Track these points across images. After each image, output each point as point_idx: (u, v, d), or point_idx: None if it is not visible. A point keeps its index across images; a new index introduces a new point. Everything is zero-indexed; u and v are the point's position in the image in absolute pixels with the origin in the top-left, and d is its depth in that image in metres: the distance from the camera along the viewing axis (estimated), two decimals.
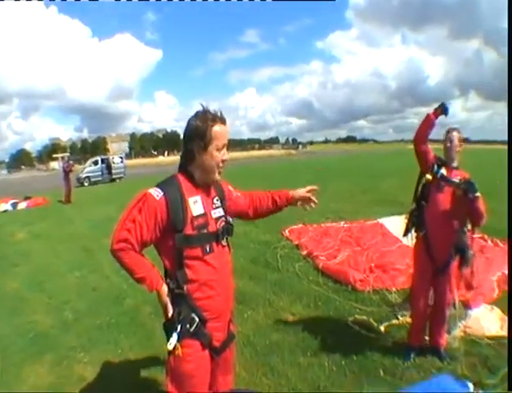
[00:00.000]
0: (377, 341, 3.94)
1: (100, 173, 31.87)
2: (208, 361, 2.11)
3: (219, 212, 2.17)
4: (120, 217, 1.99)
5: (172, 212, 1.94)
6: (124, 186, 27.13)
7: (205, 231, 2.04)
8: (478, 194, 3.16)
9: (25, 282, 6.66)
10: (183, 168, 2.11)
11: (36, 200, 18.72)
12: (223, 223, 2.16)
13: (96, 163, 32.33)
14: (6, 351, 4.31)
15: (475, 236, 6.97)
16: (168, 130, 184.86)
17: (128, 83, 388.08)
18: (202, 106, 2.07)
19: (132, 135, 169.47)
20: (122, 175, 33.46)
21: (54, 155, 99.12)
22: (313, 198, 2.53)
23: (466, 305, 4.31)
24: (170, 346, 1.95)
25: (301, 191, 2.52)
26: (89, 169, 31.64)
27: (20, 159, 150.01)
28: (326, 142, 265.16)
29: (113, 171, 32.71)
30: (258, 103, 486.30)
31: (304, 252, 7.00)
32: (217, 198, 2.20)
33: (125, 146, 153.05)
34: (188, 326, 1.99)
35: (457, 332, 3.90)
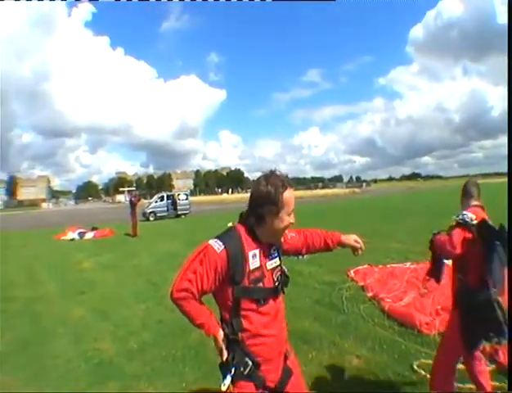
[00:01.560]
0: None
1: (165, 208, 32.86)
2: None
3: (275, 262, 2.22)
4: (182, 267, 2.08)
5: (233, 265, 2.01)
6: (189, 222, 27.75)
7: (261, 284, 2.11)
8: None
9: (91, 310, 6.83)
10: (247, 224, 2.16)
11: (103, 231, 19.48)
12: (279, 273, 2.23)
13: (162, 199, 33.40)
14: (70, 375, 4.40)
15: None
16: (232, 168, 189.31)
17: (192, 122, 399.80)
18: (271, 171, 2.14)
19: (197, 172, 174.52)
20: (187, 211, 34.14)
21: (120, 189, 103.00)
22: (362, 246, 2.55)
23: None
24: (224, 387, 2.01)
25: (351, 239, 2.56)
26: (155, 204, 32.76)
27: (86, 190, 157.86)
28: (390, 179, 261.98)
29: (178, 207, 33.50)
30: (321, 142, 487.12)
31: (370, 294, 6.79)
32: (274, 248, 2.24)
33: (190, 182, 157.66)
34: (242, 369, 2.06)
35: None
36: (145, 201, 36.96)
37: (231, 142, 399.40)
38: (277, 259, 2.24)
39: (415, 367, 4.14)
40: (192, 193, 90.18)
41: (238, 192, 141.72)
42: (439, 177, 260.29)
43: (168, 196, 34.20)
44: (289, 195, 2.09)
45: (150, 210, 31.72)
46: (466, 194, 3.42)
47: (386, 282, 7.35)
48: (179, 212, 33.39)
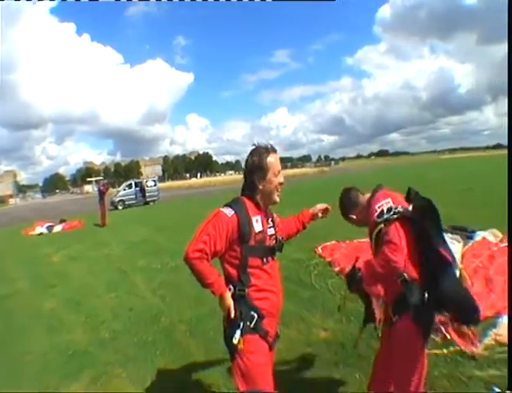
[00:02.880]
0: None
1: (134, 196, 32.52)
2: (268, 351, 2.40)
3: (271, 231, 2.52)
4: (196, 231, 2.30)
5: (242, 227, 2.29)
6: (158, 208, 27.60)
7: (264, 244, 2.42)
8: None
9: (62, 303, 6.83)
10: (247, 193, 2.46)
11: (71, 223, 19.23)
12: (274, 241, 2.53)
13: (129, 186, 33.02)
14: (45, 369, 4.43)
15: (504, 244, 6.93)
16: (201, 152, 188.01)
17: (160, 107, 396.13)
18: (254, 144, 2.49)
19: (165, 158, 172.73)
20: (156, 198, 33.91)
21: (88, 179, 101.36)
22: (328, 206, 3.04)
23: (497, 313, 4.30)
24: (235, 341, 2.27)
25: (317, 207, 3.03)
26: (123, 192, 32.39)
27: (54, 183, 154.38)
28: (359, 157, 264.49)
29: (146, 194, 33.19)
30: (289, 122, 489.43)
31: (337, 268, 6.98)
32: (271, 219, 2.55)
33: (158, 169, 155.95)
34: (248, 323, 2.31)
35: (488, 340, 3.86)
36: (114, 189, 36.44)
37: (199, 126, 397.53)
38: (273, 229, 2.54)
39: (375, 323, 4.30)
40: (161, 179, 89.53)
41: (207, 176, 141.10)
42: (407, 153, 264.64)
43: (136, 183, 33.77)
44: (273, 158, 2.41)
45: (119, 199, 31.36)
46: (353, 199, 2.84)
47: (353, 256, 7.51)
48: (148, 199, 33.08)
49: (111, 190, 27.29)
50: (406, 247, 2.28)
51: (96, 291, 7.44)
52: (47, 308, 6.61)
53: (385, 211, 2.41)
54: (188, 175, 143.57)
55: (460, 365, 3.60)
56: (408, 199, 2.58)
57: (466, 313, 2.37)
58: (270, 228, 2.50)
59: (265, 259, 2.41)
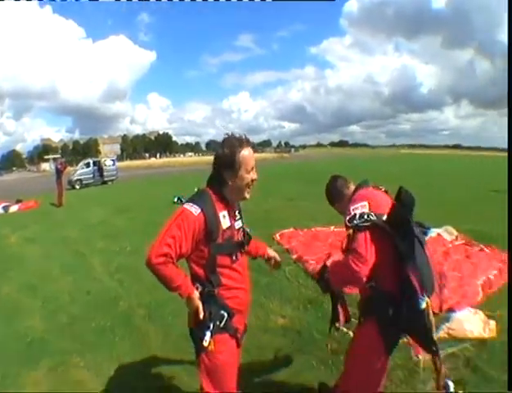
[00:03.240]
0: None
1: (91, 175, 31.64)
2: (236, 351, 2.39)
3: (239, 224, 2.43)
4: (160, 232, 2.16)
5: (209, 225, 2.15)
6: (116, 188, 27.22)
7: (232, 241, 2.32)
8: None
9: (19, 287, 6.67)
10: (214, 188, 2.29)
11: (27, 203, 18.58)
12: (242, 234, 2.45)
13: (87, 165, 32.09)
14: (3, 358, 4.31)
15: (460, 242, 7.21)
16: (161, 132, 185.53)
17: (121, 85, 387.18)
18: (227, 134, 2.30)
19: (124, 137, 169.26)
20: (114, 178, 33.34)
21: (45, 157, 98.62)
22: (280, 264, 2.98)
23: (450, 308, 4.49)
24: (206, 343, 2.18)
25: (276, 257, 2.94)
26: (81, 171, 31.44)
27: (11, 160, 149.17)
28: (319, 146, 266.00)
29: (105, 173, 32.51)
30: (251, 107, 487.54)
31: (294, 256, 7.08)
32: (238, 211, 2.44)
33: (117, 148, 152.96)
34: (218, 322, 2.24)
35: (441, 334, 3.99)
36: (72, 168, 35.56)
37: (160, 105, 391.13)
38: (240, 221, 2.44)
39: (338, 324, 4.41)
40: (119, 158, 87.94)
41: (166, 157, 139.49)
42: (366, 145, 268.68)
43: (94, 162, 32.87)
44: (247, 153, 2.22)
45: (76, 178, 30.36)
46: (339, 189, 2.71)
47: (310, 244, 7.70)
48: (106, 178, 32.42)
49: (69, 168, 26.56)
50: (374, 257, 2.18)
51: (53, 274, 7.30)
52: (3, 292, 6.45)
53: (357, 217, 2.27)
54: (147, 155, 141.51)
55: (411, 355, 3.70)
56: (398, 199, 2.38)
57: (426, 344, 2.42)
58: (237, 220, 2.41)
59: (234, 257, 2.31)
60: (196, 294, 2.21)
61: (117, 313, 5.27)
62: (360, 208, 2.31)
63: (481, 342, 3.97)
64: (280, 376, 3.67)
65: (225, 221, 2.25)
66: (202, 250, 2.21)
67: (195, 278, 2.27)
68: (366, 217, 2.24)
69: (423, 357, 3.53)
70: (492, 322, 4.27)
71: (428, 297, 2.25)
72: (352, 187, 2.65)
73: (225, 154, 2.20)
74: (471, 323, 4.22)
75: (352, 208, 2.35)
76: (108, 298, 5.80)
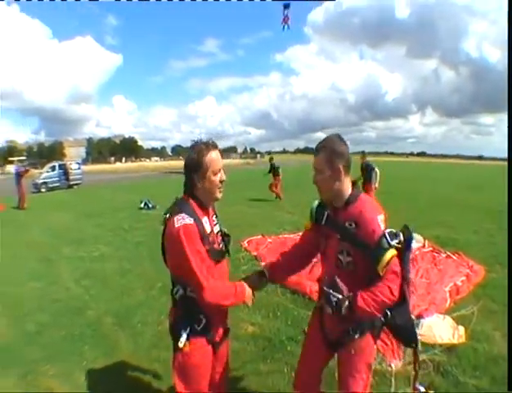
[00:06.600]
0: None
1: (57, 179, 30.80)
2: (211, 354, 2.40)
3: (217, 228, 2.48)
4: (188, 269, 2.10)
5: (201, 233, 2.19)
6: (82, 192, 26.68)
7: (215, 246, 2.35)
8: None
9: None
10: (189, 193, 2.33)
11: None
12: (221, 237, 2.50)
13: (53, 168, 31.24)
14: None
15: (427, 249, 7.35)
16: (126, 136, 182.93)
17: (87, 87, 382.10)
18: (195, 140, 2.32)
19: (90, 140, 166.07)
20: (79, 181, 32.61)
21: (10, 159, 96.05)
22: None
23: (419, 315, 4.60)
24: (181, 344, 2.23)
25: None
26: (46, 174, 30.52)
27: None
28: (284, 152, 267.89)
29: (70, 177, 31.72)
30: (217, 112, 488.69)
31: (263, 263, 7.00)
32: (215, 216, 2.49)
33: (82, 151, 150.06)
34: (196, 326, 2.28)
35: None
36: (37, 171, 34.71)
37: (126, 109, 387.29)
38: (218, 225, 2.50)
39: (307, 331, 4.44)
40: (84, 162, 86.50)
41: (132, 161, 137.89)
42: None
43: (59, 165, 31.97)
44: (214, 156, 2.26)
45: (42, 181, 29.31)
46: (346, 156, 2.38)
47: (278, 251, 7.66)
48: (71, 182, 31.64)
49: (34, 171, 25.93)
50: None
51: (18, 280, 7.07)
52: None
53: (388, 237, 2.11)
54: (113, 159, 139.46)
55: (383, 362, 3.83)
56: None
57: (409, 341, 2.49)
58: (216, 224, 2.46)
59: (215, 261, 2.31)
60: (245, 285, 2.39)
61: (86, 321, 5.16)
62: (382, 223, 2.17)
63: (450, 348, 4.11)
64: (250, 382, 3.69)
65: (206, 226, 2.30)
66: None
67: (176, 280, 2.31)
68: (397, 237, 2.14)
69: (395, 365, 3.61)
70: (461, 328, 4.45)
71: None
72: (348, 179, 2.31)
73: (193, 158, 2.25)
74: (440, 329, 4.37)
75: (379, 220, 2.17)
76: (76, 306, 5.66)
